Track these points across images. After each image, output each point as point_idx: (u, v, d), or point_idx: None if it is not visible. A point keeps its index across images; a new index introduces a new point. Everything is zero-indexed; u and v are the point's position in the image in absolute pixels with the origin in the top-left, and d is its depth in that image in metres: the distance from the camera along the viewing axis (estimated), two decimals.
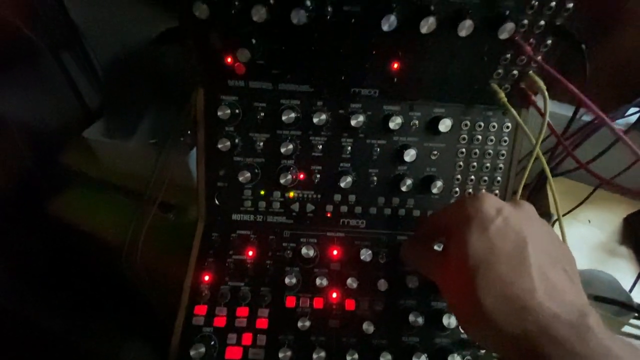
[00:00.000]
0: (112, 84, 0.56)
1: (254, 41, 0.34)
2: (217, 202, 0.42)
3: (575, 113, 0.37)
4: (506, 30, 0.31)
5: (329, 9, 0.32)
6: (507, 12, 0.31)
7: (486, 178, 0.41)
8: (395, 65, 0.35)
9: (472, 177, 0.41)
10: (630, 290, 0.47)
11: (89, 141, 0.57)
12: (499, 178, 0.41)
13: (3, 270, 0.64)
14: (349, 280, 0.37)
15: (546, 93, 0.33)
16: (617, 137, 0.28)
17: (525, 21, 0.32)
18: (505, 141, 0.40)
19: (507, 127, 0.40)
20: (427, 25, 0.30)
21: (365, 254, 0.39)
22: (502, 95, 0.36)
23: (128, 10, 0.65)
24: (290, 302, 0.38)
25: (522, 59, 0.34)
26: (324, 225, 0.42)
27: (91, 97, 0.79)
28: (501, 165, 0.41)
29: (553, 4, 0.31)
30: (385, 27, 0.31)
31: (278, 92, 0.39)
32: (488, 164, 0.41)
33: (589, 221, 0.69)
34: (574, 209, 0.64)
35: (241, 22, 0.32)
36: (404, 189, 0.39)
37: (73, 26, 0.78)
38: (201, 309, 0.37)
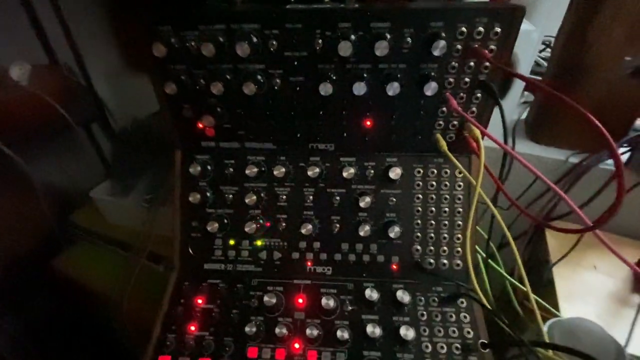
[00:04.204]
0: (118, 150, 0.64)
1: (218, 109, 0.39)
2: (191, 251, 0.44)
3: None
4: (430, 89, 0.35)
5: (277, 81, 0.37)
6: (431, 74, 0.35)
7: (446, 222, 0.42)
8: (342, 122, 0.40)
9: (432, 221, 0.42)
10: (626, 345, 0.42)
11: (94, 200, 0.63)
12: (459, 222, 0.42)
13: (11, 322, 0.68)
14: (308, 330, 0.37)
15: (481, 140, 0.36)
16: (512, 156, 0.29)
17: (451, 79, 0.36)
18: (460, 186, 0.42)
19: (460, 173, 0.42)
20: (359, 88, 0.35)
21: (327, 302, 0.39)
22: (443, 143, 0.38)
23: (140, 86, 0.77)
24: (251, 352, 0.38)
25: (455, 111, 0.37)
26: (291, 273, 0.43)
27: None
28: (459, 208, 0.42)
29: (472, 63, 0.35)
30: (322, 92, 0.35)
31: (245, 150, 0.44)
32: (446, 209, 0.42)
33: (595, 267, 0.65)
34: (566, 254, 0.62)
35: (204, 95, 0.38)
36: (362, 234, 0.41)
37: (99, 102, 0.92)
38: None
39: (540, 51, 0.89)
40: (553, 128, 0.74)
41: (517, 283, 0.53)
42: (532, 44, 0.66)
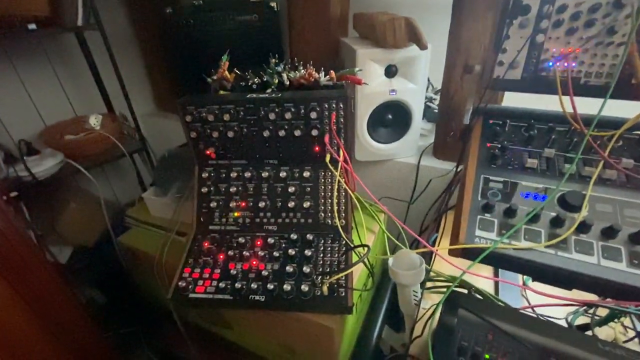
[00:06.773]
0: (159, 169, 1.05)
1: (216, 144, 0.79)
2: (201, 219, 0.82)
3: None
4: (314, 132, 0.73)
5: (244, 130, 0.77)
6: (315, 125, 0.74)
7: (336, 201, 0.78)
8: (278, 149, 0.78)
9: (329, 200, 0.79)
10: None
11: (144, 199, 1.03)
12: (342, 201, 0.78)
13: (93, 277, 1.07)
14: (260, 254, 0.74)
15: (339, 160, 0.73)
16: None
17: (325, 127, 0.74)
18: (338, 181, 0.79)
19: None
20: (282, 133, 0.74)
21: (271, 240, 0.76)
22: (327, 161, 0.76)
23: (170, 128, 1.19)
24: (232, 266, 0.74)
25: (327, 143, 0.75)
26: (254, 229, 0.80)
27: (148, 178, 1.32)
28: (343, 195, 0.79)
29: (333, 120, 0.73)
30: (265, 135, 0.74)
31: (230, 164, 0.83)
32: (336, 194, 0.79)
33: None
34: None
35: (209, 137, 0.78)
36: (290, 206, 0.78)
37: (143, 138, 1.35)
38: (187, 270, 0.75)
39: None
40: (444, 149, 1.11)
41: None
42: (417, 97, 1.04)
